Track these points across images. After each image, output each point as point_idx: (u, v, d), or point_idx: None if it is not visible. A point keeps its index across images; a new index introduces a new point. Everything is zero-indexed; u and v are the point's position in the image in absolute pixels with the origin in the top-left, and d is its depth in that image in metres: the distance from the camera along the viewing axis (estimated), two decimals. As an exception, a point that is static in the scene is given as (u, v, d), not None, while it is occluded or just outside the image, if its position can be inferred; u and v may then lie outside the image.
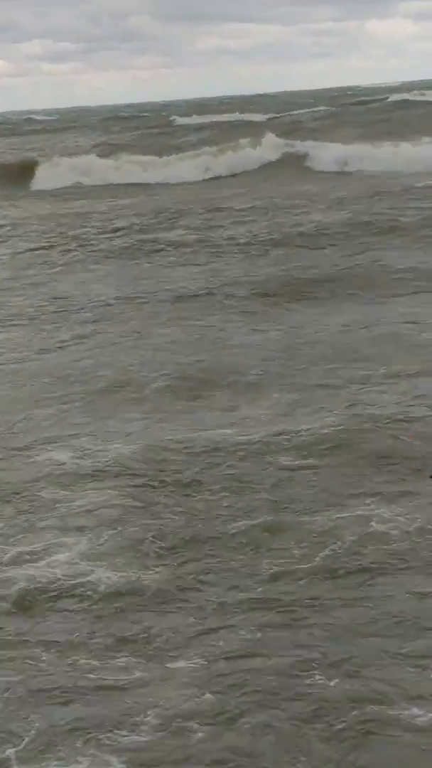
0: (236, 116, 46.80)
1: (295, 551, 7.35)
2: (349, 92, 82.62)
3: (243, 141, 33.10)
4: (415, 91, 53.01)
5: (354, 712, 5.54)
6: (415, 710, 5.52)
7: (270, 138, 32.94)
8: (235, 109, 55.05)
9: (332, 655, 6.05)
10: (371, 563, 7.07)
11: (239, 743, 5.45)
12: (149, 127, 48.62)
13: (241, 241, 19.15)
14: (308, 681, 5.85)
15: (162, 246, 19.26)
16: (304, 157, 30.98)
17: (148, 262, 18.14)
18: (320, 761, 5.28)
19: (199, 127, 43.41)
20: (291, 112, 47.25)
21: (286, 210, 22.59)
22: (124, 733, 5.55)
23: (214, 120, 45.94)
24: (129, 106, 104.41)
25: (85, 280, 16.77)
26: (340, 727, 5.46)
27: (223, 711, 5.68)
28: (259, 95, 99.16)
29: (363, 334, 12.50)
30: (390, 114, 41.64)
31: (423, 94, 47.82)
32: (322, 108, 47.71)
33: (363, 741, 5.36)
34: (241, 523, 7.81)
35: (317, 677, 5.86)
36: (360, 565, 7.06)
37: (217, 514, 7.98)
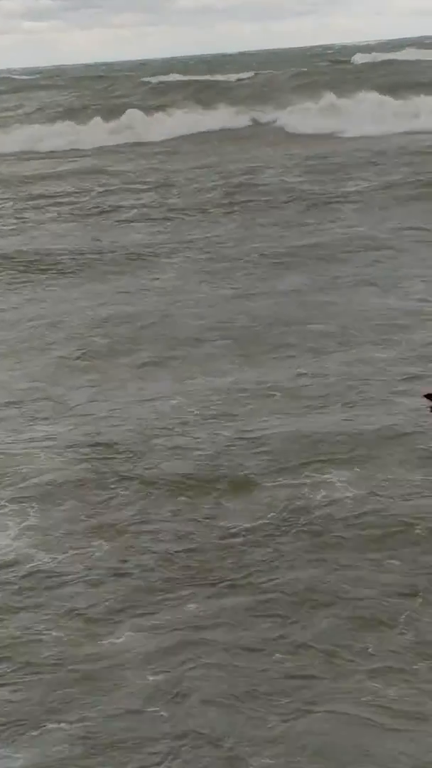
0: (205, 78, 47.48)
1: (241, 519, 7.48)
2: (329, 51, 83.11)
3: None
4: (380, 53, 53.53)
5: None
6: (369, 683, 5.60)
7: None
8: (215, 69, 55.42)
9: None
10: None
11: (192, 719, 5.44)
12: (114, 88, 48.77)
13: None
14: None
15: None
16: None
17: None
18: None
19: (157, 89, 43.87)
20: (261, 72, 47.91)
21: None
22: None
23: (183, 79, 46.99)
24: (106, 64, 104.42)
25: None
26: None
27: (173, 688, 5.68)
28: (242, 54, 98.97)
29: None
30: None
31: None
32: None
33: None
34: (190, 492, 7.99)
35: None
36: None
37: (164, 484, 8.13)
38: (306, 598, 6.42)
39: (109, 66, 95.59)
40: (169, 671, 5.80)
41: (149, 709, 5.52)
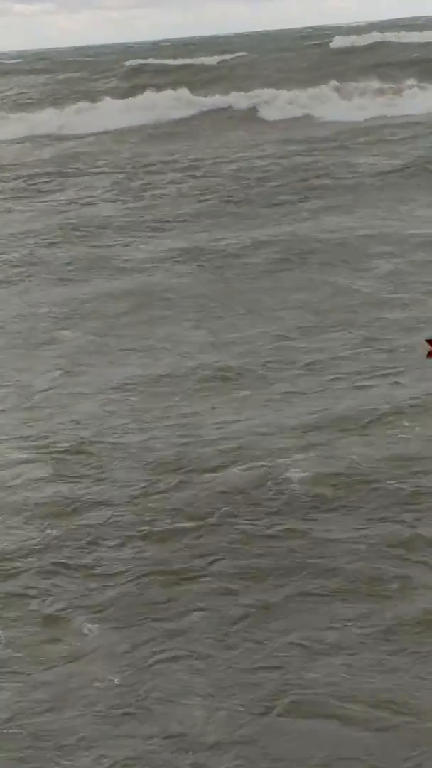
0: (185, 61, 47.45)
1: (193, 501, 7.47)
2: (320, 31, 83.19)
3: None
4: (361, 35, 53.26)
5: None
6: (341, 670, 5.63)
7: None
8: (201, 51, 55.55)
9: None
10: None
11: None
12: (97, 71, 49.08)
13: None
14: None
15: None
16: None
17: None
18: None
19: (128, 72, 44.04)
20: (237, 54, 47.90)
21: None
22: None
23: (168, 63, 46.83)
24: (95, 48, 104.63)
25: None
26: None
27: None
28: (237, 35, 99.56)
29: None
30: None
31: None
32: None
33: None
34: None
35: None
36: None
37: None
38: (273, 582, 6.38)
39: (98, 50, 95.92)
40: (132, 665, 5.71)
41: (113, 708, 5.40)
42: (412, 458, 7.77)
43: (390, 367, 9.63)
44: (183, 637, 5.90)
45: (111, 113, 32.39)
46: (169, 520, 7.15)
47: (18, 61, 77.38)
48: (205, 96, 33.63)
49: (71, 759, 5.11)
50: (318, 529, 6.89)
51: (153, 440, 8.47)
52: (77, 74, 48.61)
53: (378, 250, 13.92)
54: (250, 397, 9.23)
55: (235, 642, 5.84)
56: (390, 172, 19.11)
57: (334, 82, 31.93)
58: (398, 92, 30.32)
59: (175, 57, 49.72)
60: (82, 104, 34.16)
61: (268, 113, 30.00)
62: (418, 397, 8.82)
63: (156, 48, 75.89)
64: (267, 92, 31.67)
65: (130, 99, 34.61)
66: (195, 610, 6.13)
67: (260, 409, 8.95)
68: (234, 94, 32.73)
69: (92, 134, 30.13)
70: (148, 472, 7.90)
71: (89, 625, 6.05)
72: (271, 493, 7.44)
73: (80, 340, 11.26)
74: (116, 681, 5.59)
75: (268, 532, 6.92)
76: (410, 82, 31.19)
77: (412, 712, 5.22)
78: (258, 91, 32.07)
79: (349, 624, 5.90)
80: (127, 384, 9.85)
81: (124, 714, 5.35)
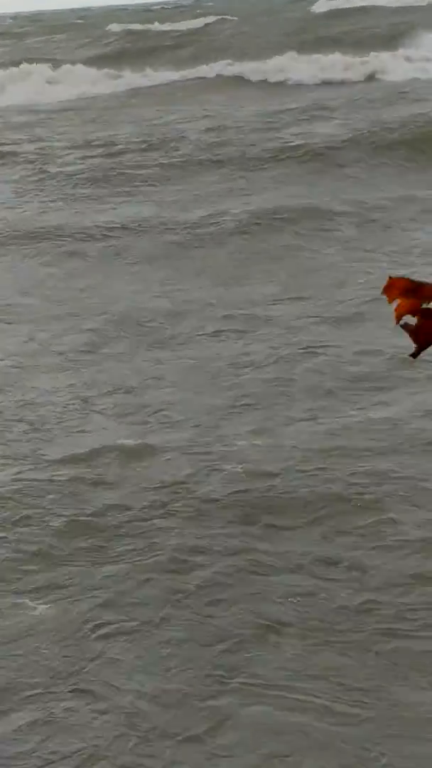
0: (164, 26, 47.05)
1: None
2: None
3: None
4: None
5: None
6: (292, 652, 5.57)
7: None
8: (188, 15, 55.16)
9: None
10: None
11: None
12: (78, 36, 48.72)
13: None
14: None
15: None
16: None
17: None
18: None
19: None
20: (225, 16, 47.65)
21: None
22: None
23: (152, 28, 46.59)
24: (87, 10, 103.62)
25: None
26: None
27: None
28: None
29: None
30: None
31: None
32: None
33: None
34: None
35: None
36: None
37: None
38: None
39: (89, 11, 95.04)
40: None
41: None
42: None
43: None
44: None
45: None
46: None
47: (8, 22, 76.81)
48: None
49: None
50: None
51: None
52: (54, 37, 48.17)
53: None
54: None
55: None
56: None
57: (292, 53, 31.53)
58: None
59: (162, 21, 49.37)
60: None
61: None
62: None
63: (147, 11, 75.12)
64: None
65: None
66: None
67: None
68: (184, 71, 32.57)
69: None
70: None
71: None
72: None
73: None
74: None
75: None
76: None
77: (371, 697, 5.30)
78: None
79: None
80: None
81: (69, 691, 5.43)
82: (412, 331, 2.22)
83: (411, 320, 2.22)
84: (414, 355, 2.24)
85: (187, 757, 4.94)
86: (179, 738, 5.06)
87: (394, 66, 28.90)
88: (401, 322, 2.22)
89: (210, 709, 5.21)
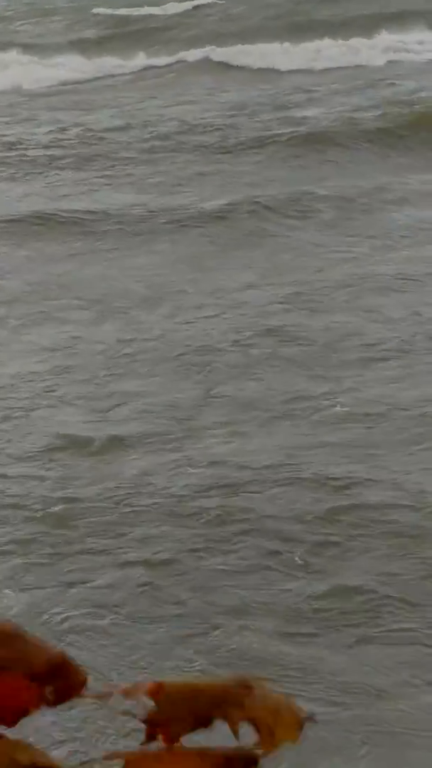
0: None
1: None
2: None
3: None
4: None
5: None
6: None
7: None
8: None
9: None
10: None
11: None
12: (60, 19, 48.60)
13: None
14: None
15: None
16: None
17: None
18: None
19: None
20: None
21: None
22: None
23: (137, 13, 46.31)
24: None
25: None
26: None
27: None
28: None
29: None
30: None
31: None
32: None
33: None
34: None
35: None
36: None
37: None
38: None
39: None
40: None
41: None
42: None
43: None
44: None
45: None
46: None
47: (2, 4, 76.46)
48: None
49: None
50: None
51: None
52: (42, 20, 47.91)
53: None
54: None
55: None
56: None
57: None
58: None
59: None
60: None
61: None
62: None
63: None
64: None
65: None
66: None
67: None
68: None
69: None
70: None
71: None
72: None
73: None
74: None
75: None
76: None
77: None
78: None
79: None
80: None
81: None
82: None
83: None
84: None
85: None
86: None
87: (376, 51, 28.74)
88: None
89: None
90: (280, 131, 19.13)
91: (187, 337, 9.81)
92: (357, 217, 13.46)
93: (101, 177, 16.86)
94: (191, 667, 5.47)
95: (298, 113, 20.33)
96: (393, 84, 22.46)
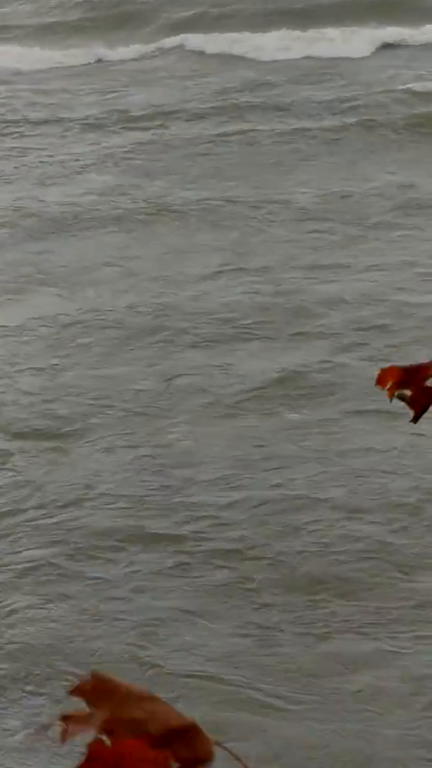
0: None
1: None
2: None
3: None
4: None
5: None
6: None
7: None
8: None
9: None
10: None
11: None
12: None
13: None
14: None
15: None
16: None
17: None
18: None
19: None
20: None
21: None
22: None
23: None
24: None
25: None
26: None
27: None
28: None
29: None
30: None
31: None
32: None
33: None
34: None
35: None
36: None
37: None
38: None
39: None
40: None
41: None
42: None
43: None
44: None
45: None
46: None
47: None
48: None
49: None
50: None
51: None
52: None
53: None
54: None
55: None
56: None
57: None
58: None
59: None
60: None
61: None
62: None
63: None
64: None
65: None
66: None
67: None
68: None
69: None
70: None
71: None
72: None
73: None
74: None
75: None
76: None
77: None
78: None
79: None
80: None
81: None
82: (409, 402, 2.14)
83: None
84: (414, 420, 2.19)
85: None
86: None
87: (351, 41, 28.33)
88: (396, 393, 2.15)
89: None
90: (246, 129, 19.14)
91: (146, 326, 9.72)
92: (331, 207, 13.37)
93: (75, 165, 16.75)
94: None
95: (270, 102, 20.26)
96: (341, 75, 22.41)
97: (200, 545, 6.27)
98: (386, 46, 27.24)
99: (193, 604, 5.88)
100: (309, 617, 5.84)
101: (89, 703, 1.24)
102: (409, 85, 18.69)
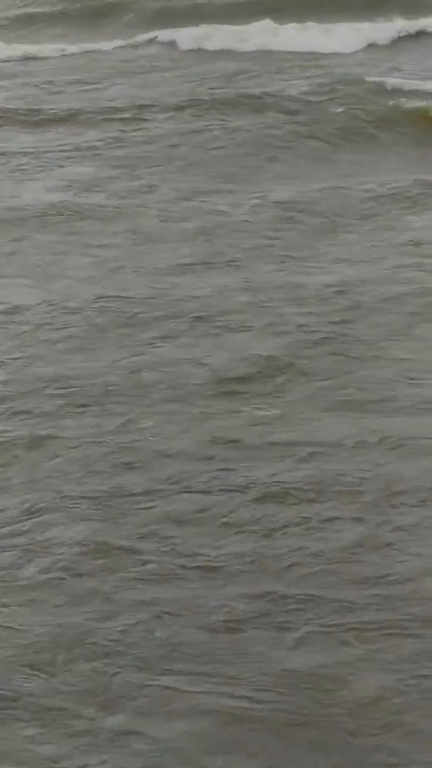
0: None
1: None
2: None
3: None
4: None
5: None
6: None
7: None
8: None
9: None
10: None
11: None
12: None
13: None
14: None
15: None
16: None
17: None
18: None
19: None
20: None
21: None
22: None
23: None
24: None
25: None
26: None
27: None
28: None
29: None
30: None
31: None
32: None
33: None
34: None
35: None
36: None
37: None
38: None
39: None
40: None
41: None
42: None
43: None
44: None
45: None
46: None
47: None
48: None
49: None
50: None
51: None
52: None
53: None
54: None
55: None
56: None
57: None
58: None
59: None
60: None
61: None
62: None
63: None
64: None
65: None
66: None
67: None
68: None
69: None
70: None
71: None
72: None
73: None
74: None
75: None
76: None
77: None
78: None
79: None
80: None
81: None
82: None
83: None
84: None
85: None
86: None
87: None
88: None
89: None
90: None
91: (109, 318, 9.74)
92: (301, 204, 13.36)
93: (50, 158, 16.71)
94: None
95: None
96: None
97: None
98: (367, 40, 27.23)
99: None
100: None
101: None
102: (384, 79, 18.67)
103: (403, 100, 17.16)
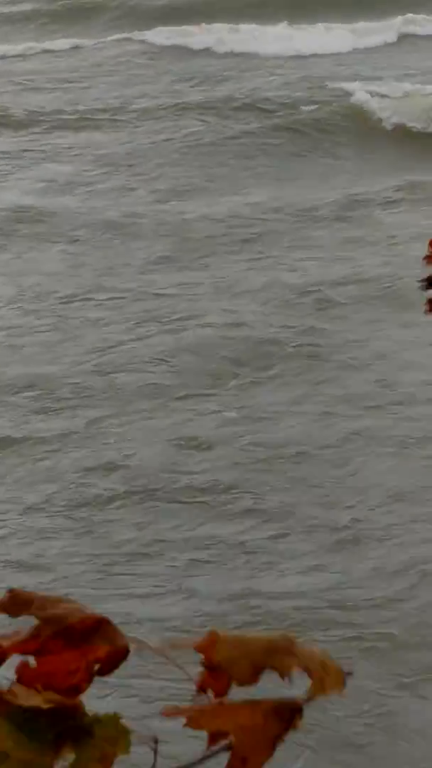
0: None
1: None
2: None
3: None
4: None
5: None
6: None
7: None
8: None
9: None
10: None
11: None
12: None
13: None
14: None
15: None
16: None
17: None
18: None
19: None
20: None
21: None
22: None
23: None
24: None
25: None
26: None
27: None
28: None
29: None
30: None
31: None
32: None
33: None
34: None
35: None
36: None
37: None
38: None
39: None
40: None
41: None
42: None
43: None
44: None
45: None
46: None
47: None
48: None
49: None
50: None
51: None
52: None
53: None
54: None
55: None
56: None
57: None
58: None
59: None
60: None
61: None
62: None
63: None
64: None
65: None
66: None
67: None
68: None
69: None
70: None
71: None
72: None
73: None
74: None
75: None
76: None
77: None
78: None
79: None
80: None
81: None
82: None
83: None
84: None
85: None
86: None
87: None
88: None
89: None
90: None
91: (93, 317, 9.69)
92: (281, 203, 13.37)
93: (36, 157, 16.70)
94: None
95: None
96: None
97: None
98: (349, 42, 27.17)
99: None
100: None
101: (11, 614, 1.35)
102: (360, 82, 18.62)
103: (380, 101, 17.15)
